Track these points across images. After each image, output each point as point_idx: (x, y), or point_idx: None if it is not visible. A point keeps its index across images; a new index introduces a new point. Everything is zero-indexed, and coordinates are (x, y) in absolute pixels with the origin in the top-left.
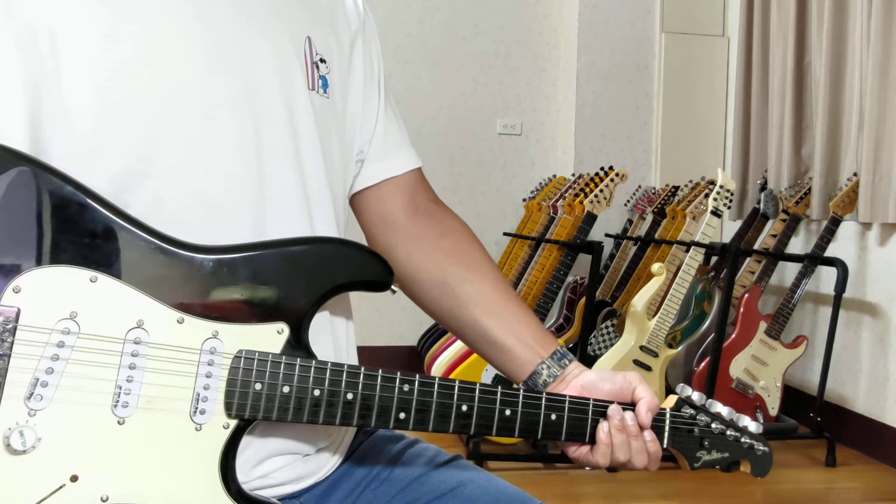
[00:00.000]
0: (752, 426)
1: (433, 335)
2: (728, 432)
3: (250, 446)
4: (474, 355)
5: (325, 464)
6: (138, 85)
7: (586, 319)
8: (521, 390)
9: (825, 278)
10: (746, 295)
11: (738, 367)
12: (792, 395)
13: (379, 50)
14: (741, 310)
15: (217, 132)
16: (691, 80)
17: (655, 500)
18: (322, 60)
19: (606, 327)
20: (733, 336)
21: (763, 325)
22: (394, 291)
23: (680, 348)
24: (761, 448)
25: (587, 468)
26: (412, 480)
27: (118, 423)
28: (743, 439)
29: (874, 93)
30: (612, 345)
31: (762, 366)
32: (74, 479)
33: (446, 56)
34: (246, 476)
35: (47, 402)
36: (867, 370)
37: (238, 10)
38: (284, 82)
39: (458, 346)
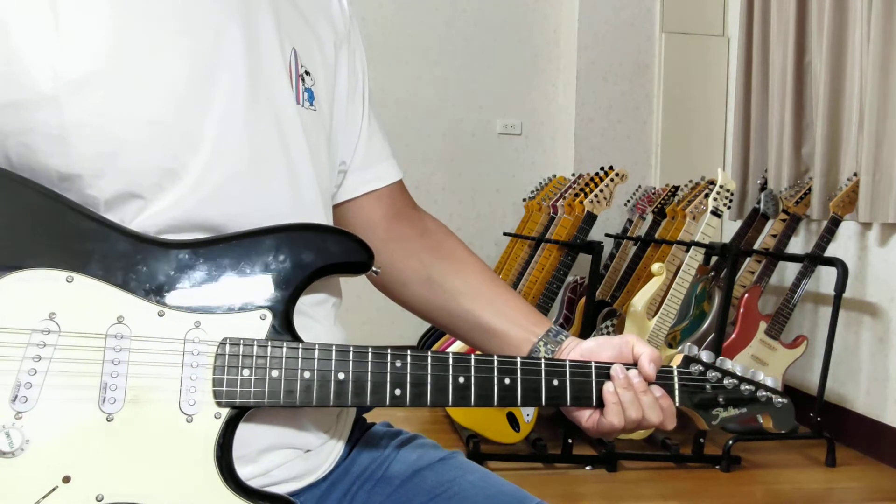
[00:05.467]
0: (769, 380)
1: (433, 335)
2: (743, 387)
3: (247, 440)
4: (476, 353)
5: (325, 460)
6: (135, 107)
7: (586, 319)
8: (519, 358)
9: (825, 278)
10: (746, 295)
11: None
12: (792, 395)
13: (363, 60)
14: (741, 310)
15: (211, 149)
16: (691, 80)
17: (655, 500)
18: (307, 73)
19: (606, 327)
20: (733, 336)
21: (763, 325)
22: (376, 272)
23: (680, 348)
24: (780, 400)
25: (587, 468)
26: (407, 479)
27: (107, 419)
28: (759, 393)
29: (874, 92)
30: None
31: (762, 366)
32: (67, 479)
33: (446, 56)
34: (245, 473)
35: (33, 404)
36: (867, 370)
37: (231, 23)
38: (273, 97)
39: (458, 346)
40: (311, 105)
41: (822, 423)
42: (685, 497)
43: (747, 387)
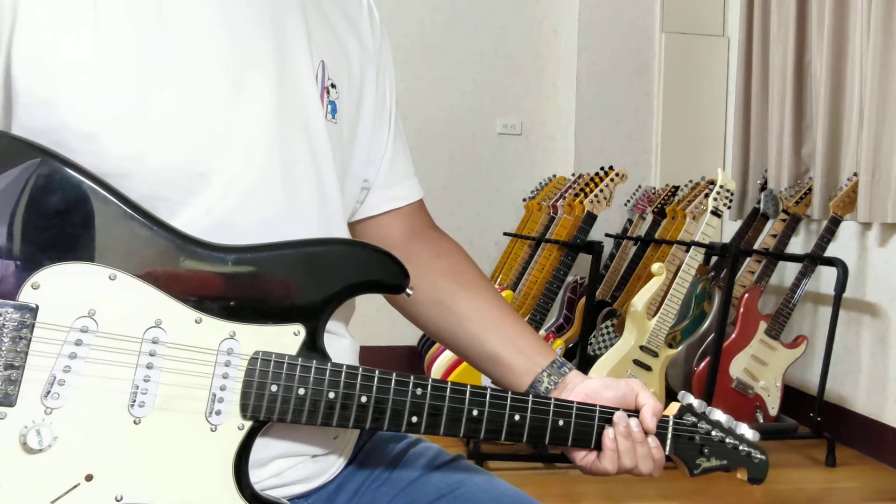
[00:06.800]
0: (749, 434)
1: None
2: (727, 440)
3: (262, 447)
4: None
5: (333, 464)
6: (165, 108)
7: (586, 319)
8: (531, 396)
9: (825, 278)
10: (746, 295)
11: (738, 367)
12: (792, 395)
13: (392, 79)
14: (741, 310)
15: (241, 153)
16: (691, 80)
17: (655, 500)
18: (333, 86)
19: (606, 327)
20: (733, 336)
21: (763, 325)
22: (409, 294)
23: (680, 348)
24: (758, 456)
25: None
26: (413, 480)
27: (134, 422)
28: (741, 447)
29: (874, 93)
30: (612, 345)
31: (762, 366)
32: (89, 478)
33: (447, 56)
34: (257, 476)
35: (64, 401)
36: (867, 370)
37: (262, 31)
38: (302, 107)
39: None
40: (333, 118)
41: (822, 423)
42: (685, 497)
43: (731, 441)
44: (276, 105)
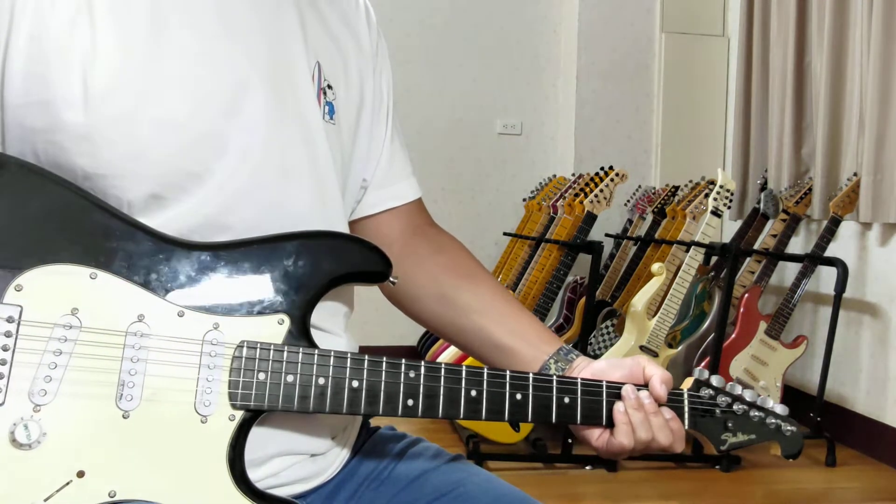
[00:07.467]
0: (779, 408)
1: (432, 336)
2: (752, 413)
3: (259, 444)
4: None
5: (332, 463)
6: (161, 110)
7: (586, 319)
8: (531, 374)
9: (825, 278)
10: (746, 295)
11: (738, 367)
12: (792, 395)
13: (390, 78)
14: (741, 310)
15: (237, 154)
16: (691, 80)
17: (655, 500)
18: (329, 87)
19: (606, 327)
20: (733, 336)
21: (763, 325)
22: (393, 283)
23: (680, 348)
24: (789, 428)
25: (587, 468)
26: (413, 480)
27: (123, 416)
28: (769, 420)
29: (874, 92)
30: (612, 345)
31: (762, 366)
32: (81, 474)
33: (446, 56)
34: (255, 475)
35: (52, 397)
36: (867, 370)
37: (260, 33)
38: (300, 108)
39: (453, 349)
40: (331, 119)
41: (822, 423)
42: (685, 497)
43: (756, 413)
44: (273, 106)
